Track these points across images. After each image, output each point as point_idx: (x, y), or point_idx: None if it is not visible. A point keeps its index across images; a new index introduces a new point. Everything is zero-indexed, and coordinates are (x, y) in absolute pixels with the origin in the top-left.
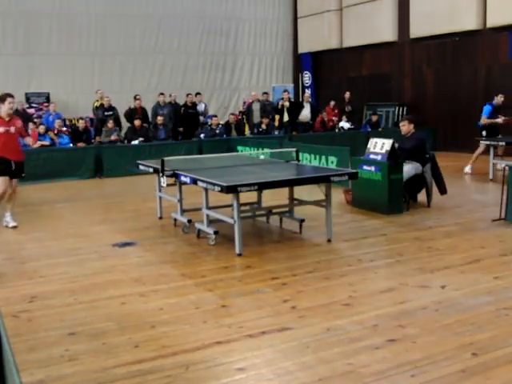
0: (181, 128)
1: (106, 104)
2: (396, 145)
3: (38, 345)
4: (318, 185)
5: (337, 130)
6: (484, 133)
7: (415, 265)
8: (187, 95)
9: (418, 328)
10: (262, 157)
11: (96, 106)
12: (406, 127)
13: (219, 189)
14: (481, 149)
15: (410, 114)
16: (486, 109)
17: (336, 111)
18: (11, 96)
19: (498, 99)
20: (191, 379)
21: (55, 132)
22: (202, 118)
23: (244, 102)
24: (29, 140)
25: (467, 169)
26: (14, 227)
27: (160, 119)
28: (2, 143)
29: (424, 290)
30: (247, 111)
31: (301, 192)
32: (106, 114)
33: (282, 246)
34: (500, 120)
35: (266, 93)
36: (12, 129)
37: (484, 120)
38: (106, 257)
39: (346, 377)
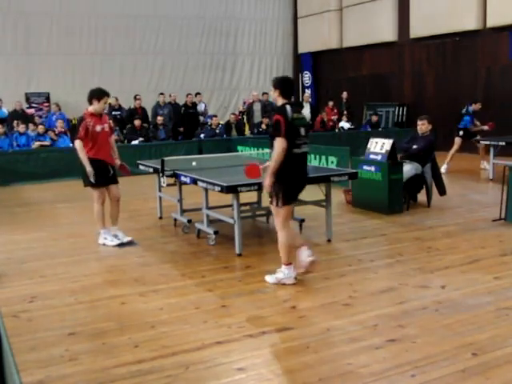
0: (181, 128)
1: (114, 104)
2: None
3: (38, 345)
4: (318, 185)
5: (337, 130)
6: (461, 132)
7: (415, 265)
8: (187, 95)
9: (418, 328)
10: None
11: None
12: (425, 126)
13: (219, 189)
14: (456, 146)
15: (409, 114)
16: (467, 120)
17: (335, 111)
18: (108, 96)
19: (476, 107)
20: (191, 379)
21: (56, 132)
22: (202, 118)
23: (244, 102)
24: (122, 168)
25: (443, 169)
26: (130, 242)
27: (160, 119)
28: (99, 144)
29: (424, 290)
30: (248, 111)
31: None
32: (113, 113)
33: None
34: (486, 127)
35: (266, 93)
36: (106, 126)
37: (472, 128)
38: (106, 257)
39: (345, 377)
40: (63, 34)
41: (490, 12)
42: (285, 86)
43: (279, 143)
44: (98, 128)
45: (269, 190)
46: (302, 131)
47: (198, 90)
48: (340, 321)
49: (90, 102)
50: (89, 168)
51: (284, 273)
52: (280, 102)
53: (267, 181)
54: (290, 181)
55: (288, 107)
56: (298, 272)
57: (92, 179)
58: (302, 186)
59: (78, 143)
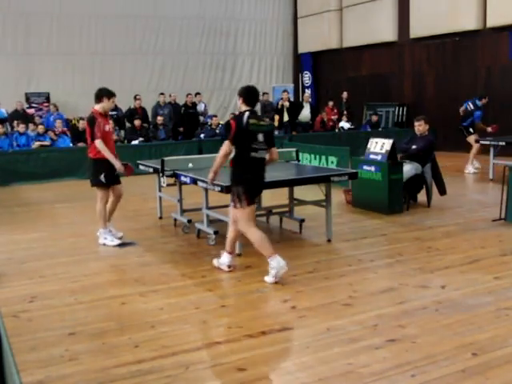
0: (181, 128)
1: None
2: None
3: (38, 345)
4: (318, 185)
5: (337, 130)
6: (471, 129)
7: (415, 265)
8: (187, 95)
9: (418, 328)
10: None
11: None
12: (422, 127)
13: (219, 189)
14: (476, 146)
15: (409, 114)
16: (478, 115)
17: (335, 111)
18: (115, 96)
19: (484, 101)
20: (191, 379)
21: (56, 132)
22: (202, 118)
23: None
24: (127, 168)
25: (471, 169)
26: (122, 238)
27: (160, 119)
28: (107, 144)
29: (424, 290)
30: None
31: (301, 192)
32: (110, 113)
33: (282, 246)
34: (489, 129)
35: (266, 93)
36: (111, 126)
37: (479, 125)
38: (106, 257)
39: (345, 377)
40: (63, 34)
41: (490, 12)
42: (248, 94)
43: (224, 146)
44: (107, 127)
45: (211, 182)
46: (260, 137)
47: (198, 90)
48: (340, 321)
49: (100, 100)
50: (119, 165)
51: (274, 266)
52: (243, 108)
53: (210, 175)
54: (250, 182)
55: (246, 114)
56: (215, 264)
57: (102, 178)
58: (260, 188)
59: (100, 143)
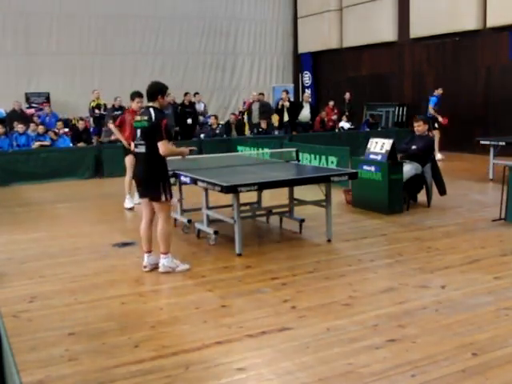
0: (176, 128)
1: (116, 104)
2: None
3: (38, 345)
4: (317, 185)
5: (337, 130)
6: (436, 125)
7: (415, 265)
8: (185, 94)
9: (418, 328)
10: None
11: (92, 106)
12: (421, 127)
13: (219, 189)
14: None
15: (409, 114)
16: (433, 100)
17: (336, 111)
18: (141, 96)
19: (439, 91)
20: (191, 379)
21: (56, 132)
22: (201, 118)
23: (244, 102)
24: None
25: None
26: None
27: None
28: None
29: (424, 290)
30: (248, 111)
31: (301, 192)
32: (115, 113)
33: (282, 246)
34: (440, 119)
35: (261, 93)
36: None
37: (431, 109)
38: (106, 257)
39: (345, 377)
40: (63, 33)
41: (490, 12)
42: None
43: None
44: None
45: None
46: (139, 133)
47: (198, 89)
48: (340, 321)
49: (132, 100)
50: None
51: (168, 265)
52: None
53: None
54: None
55: (141, 111)
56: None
57: None
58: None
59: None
